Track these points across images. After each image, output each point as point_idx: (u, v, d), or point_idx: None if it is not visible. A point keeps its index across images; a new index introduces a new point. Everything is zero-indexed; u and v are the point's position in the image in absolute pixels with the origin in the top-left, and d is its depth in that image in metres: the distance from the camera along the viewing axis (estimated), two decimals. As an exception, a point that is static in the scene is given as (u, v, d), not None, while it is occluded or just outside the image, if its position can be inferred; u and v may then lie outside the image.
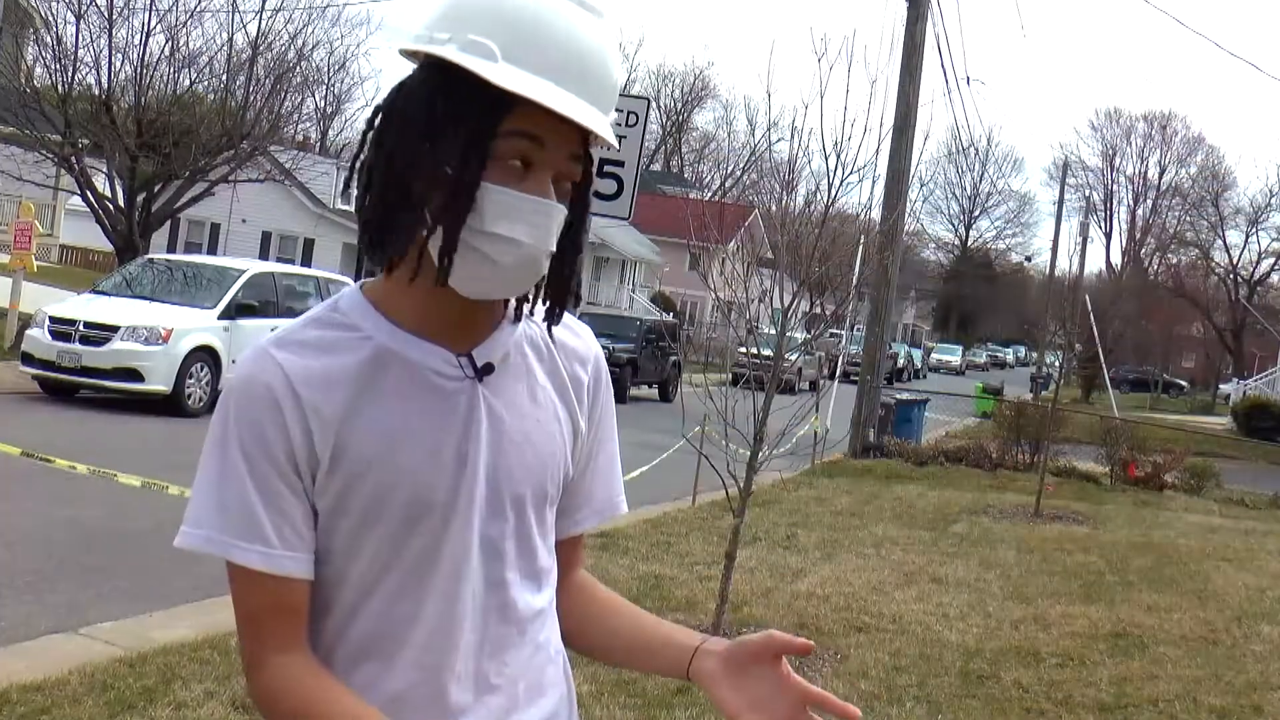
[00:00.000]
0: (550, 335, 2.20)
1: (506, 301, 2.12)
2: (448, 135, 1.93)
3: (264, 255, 50.48)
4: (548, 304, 2.12)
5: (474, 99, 1.92)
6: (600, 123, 1.98)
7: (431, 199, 1.94)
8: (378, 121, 2.00)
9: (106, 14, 28.73)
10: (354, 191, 2.02)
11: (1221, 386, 77.02)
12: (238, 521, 1.95)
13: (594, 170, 2.10)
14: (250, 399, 1.97)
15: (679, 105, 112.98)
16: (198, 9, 30.02)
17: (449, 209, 1.92)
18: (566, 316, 2.24)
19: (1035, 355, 63.68)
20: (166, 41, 30.21)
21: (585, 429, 2.25)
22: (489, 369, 2.07)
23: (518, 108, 1.92)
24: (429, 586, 2.02)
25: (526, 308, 2.14)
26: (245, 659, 2.01)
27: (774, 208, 11.29)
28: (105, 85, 29.20)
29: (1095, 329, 40.13)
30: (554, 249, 2.01)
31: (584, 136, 2.01)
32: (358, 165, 2.02)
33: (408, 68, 2.06)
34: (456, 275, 1.95)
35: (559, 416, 2.18)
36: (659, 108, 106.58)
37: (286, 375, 1.97)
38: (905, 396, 30.50)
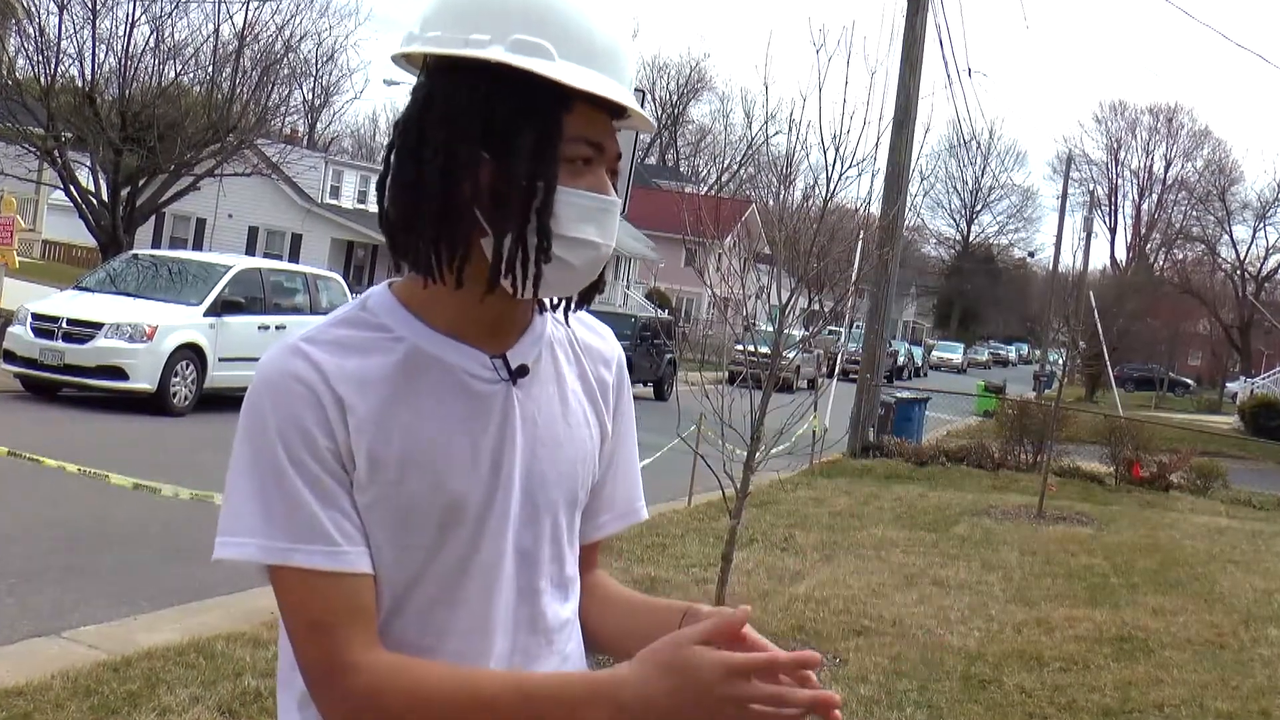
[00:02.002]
0: (576, 336, 2.21)
1: (536, 301, 2.11)
2: (514, 141, 1.93)
3: (251, 251, 50.47)
4: (577, 298, 2.12)
5: (537, 101, 1.93)
6: (641, 109, 2.04)
7: (500, 208, 1.94)
8: (410, 135, 1.98)
9: (90, 4, 28.74)
10: (391, 210, 2.00)
11: (1228, 385, 77.11)
12: (291, 524, 1.90)
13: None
14: (287, 395, 1.93)
15: (674, 98, 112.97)
16: (183, -1, 30.01)
17: (531, 216, 1.93)
18: (589, 317, 2.27)
19: (1038, 353, 63.76)
20: (151, 33, 30.20)
21: (610, 432, 2.26)
22: (523, 371, 2.07)
23: (575, 105, 1.94)
24: (463, 594, 2.01)
25: (548, 303, 2.14)
26: (320, 669, 1.92)
27: (771, 202, 11.29)
28: (89, 77, 29.18)
29: (1099, 326, 40.08)
30: (614, 245, 2.04)
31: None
32: (389, 184, 2.00)
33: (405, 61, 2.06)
34: (533, 280, 1.96)
35: (588, 420, 2.18)
36: (654, 100, 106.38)
37: (322, 371, 1.94)
38: (905, 395, 30.53)
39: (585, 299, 2.14)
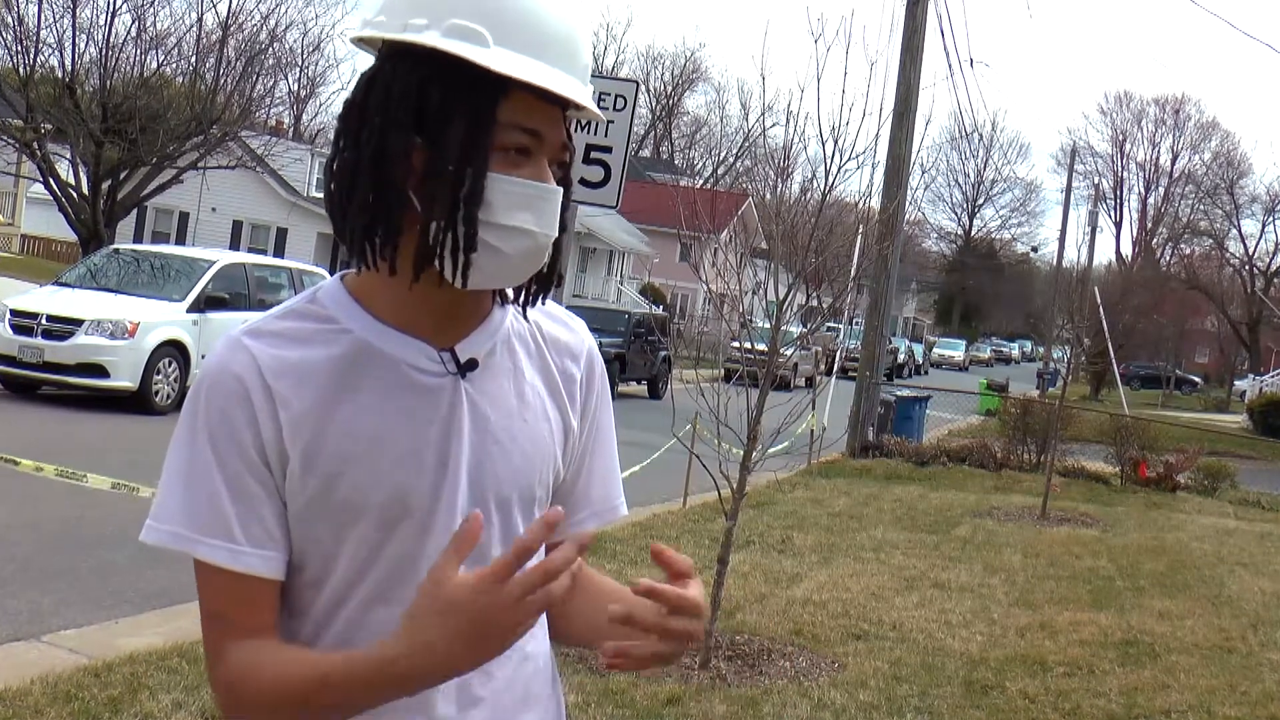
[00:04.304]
0: (540, 329, 2.21)
1: (495, 293, 2.13)
2: (445, 127, 1.94)
3: (234, 245, 50.42)
4: (532, 289, 2.13)
5: (468, 87, 1.94)
6: (590, 100, 2.04)
7: (430, 194, 1.95)
8: (352, 118, 2.00)
9: (70, -8, 28.75)
10: (332, 192, 2.02)
11: (1237, 383, 77.13)
12: (204, 517, 1.95)
13: (574, 146, 2.11)
14: (220, 390, 1.97)
15: (669, 88, 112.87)
16: (165, -12, 30.03)
17: (459, 204, 1.94)
18: (559, 308, 2.27)
19: (1042, 350, 63.77)
20: (133, 22, 30.29)
21: (578, 427, 2.25)
22: (472, 365, 2.07)
23: (513, 92, 1.95)
24: (409, 592, 1.98)
25: (510, 295, 2.14)
26: (207, 656, 2.01)
27: (768, 196, 11.28)
28: (69, 67, 29.21)
29: (1104, 323, 40.11)
30: (556, 234, 2.04)
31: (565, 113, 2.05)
32: (333, 166, 2.02)
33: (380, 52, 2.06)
34: (463, 268, 1.96)
35: (548, 415, 2.18)
36: (648, 91, 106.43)
37: (258, 366, 1.97)
38: (906, 393, 30.51)
39: (543, 290, 2.14)
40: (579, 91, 2.01)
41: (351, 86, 2.06)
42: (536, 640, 2.21)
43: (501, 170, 1.95)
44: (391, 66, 1.98)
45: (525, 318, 2.19)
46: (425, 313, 2.04)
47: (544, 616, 2.23)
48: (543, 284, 2.13)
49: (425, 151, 1.95)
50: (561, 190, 2.03)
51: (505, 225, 1.95)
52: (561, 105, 2.02)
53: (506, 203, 1.95)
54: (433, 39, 1.92)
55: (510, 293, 2.13)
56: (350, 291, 2.07)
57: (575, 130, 2.12)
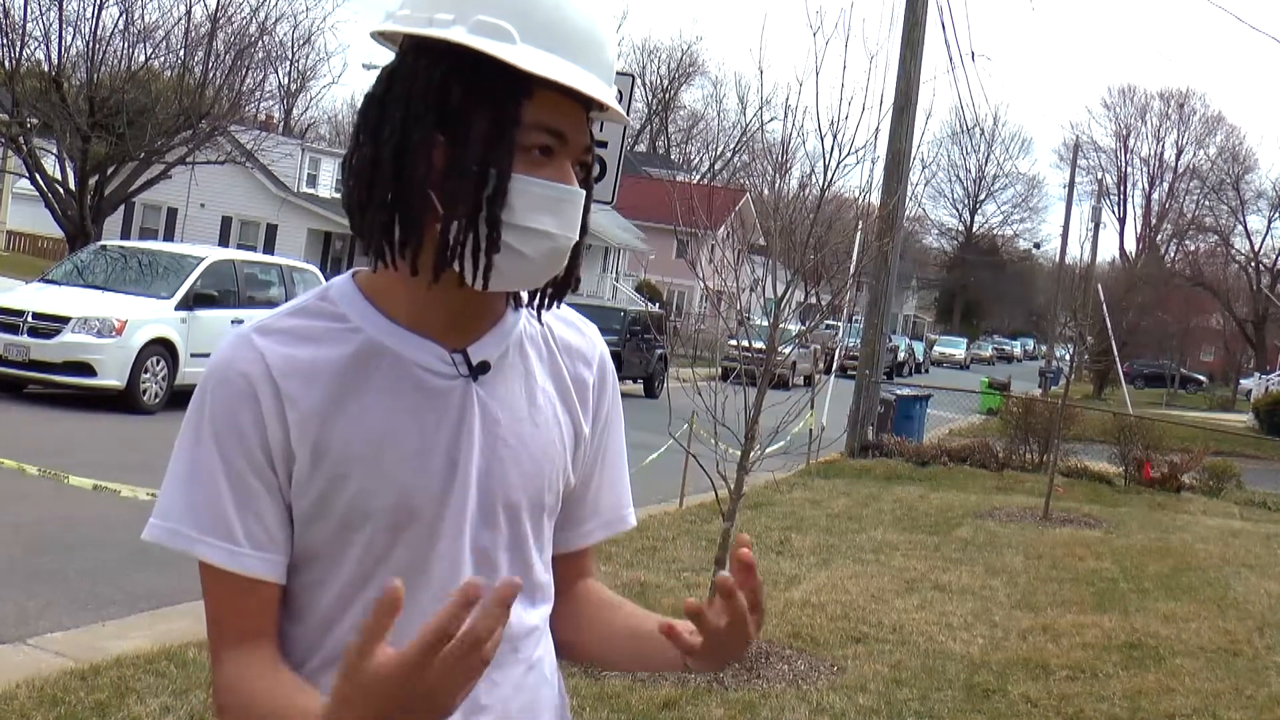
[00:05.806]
0: (552, 332, 2.21)
1: (509, 295, 2.12)
2: (468, 125, 1.94)
3: (224, 242, 50.38)
4: (549, 292, 2.12)
5: (493, 85, 1.93)
6: (615, 100, 2.03)
7: (451, 193, 1.94)
8: (372, 113, 1.99)
9: (57, -16, 28.69)
10: (350, 188, 2.01)
11: (1242, 381, 77.18)
12: (206, 516, 1.95)
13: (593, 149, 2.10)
14: (227, 388, 1.96)
15: (665, 82, 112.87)
16: (153, -21, 30.00)
17: (482, 204, 1.93)
18: (571, 312, 2.27)
19: (1044, 348, 63.79)
20: (120, 14, 30.19)
21: (589, 434, 2.25)
22: (484, 367, 2.06)
23: (538, 91, 1.94)
24: (415, 598, 1.97)
25: (525, 298, 2.14)
26: (211, 657, 2.01)
27: (766, 191, 11.29)
28: (55, 61, 29.14)
29: (1108, 320, 40.19)
30: (578, 238, 2.03)
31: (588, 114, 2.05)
32: (352, 162, 2.01)
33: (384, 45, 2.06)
34: (483, 270, 1.95)
35: (559, 420, 2.17)
36: (644, 85, 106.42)
37: (266, 364, 1.96)
38: (906, 392, 30.51)
39: (559, 294, 2.13)
40: (604, 91, 2.01)
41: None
42: (543, 648, 2.21)
43: (524, 171, 1.94)
44: (414, 61, 1.97)
45: (539, 321, 2.18)
46: (439, 313, 2.04)
47: (551, 626, 2.24)
48: (559, 288, 2.12)
49: (447, 149, 1.94)
50: (584, 193, 2.03)
51: (526, 227, 1.95)
52: (585, 106, 2.02)
53: (528, 204, 1.94)
54: (459, 35, 1.91)
55: (525, 295, 2.13)
56: (362, 290, 2.07)
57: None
